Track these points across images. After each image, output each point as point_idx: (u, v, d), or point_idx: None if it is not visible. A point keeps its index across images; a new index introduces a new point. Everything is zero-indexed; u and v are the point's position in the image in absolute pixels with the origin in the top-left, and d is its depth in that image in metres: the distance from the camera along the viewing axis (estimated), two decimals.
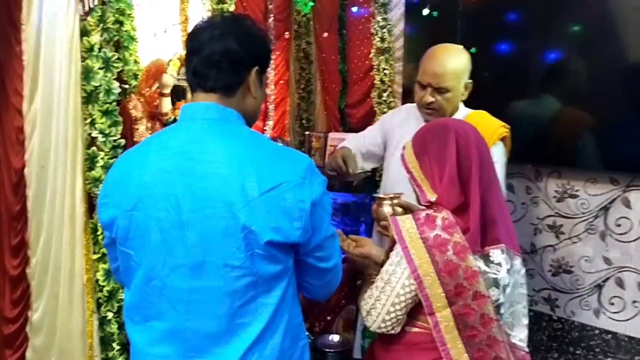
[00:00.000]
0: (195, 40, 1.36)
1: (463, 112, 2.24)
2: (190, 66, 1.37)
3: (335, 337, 3.04)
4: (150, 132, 2.76)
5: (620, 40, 2.52)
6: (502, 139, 2.18)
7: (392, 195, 1.93)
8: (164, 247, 1.27)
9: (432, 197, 1.56)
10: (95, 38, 2.13)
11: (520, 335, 1.67)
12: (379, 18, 3.39)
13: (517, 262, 1.61)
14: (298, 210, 1.27)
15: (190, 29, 3.13)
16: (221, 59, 1.33)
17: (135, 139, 2.63)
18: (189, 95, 3.01)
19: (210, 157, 1.26)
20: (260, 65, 1.42)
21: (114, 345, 2.27)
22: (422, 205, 1.63)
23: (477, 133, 1.62)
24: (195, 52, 1.36)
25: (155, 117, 2.92)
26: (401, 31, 3.35)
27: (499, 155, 2.10)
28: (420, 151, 1.61)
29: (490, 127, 2.13)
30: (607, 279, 2.72)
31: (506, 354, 1.55)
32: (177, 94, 2.99)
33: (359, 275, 3.17)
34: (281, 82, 3.81)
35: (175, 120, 2.88)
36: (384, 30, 3.39)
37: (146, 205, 1.28)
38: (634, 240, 2.62)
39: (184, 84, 2.99)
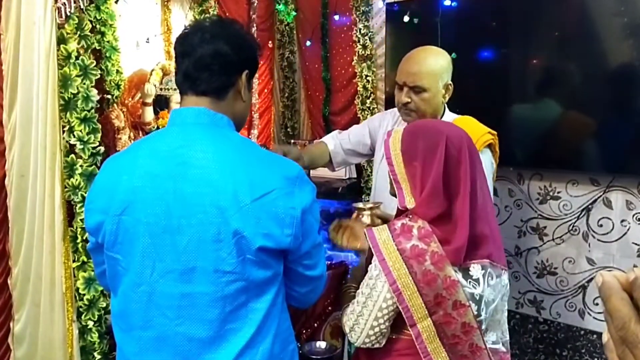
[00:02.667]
0: (186, 43, 1.36)
1: (448, 118, 2.17)
2: (181, 69, 1.37)
3: (322, 344, 3.02)
4: (132, 142, 2.76)
5: (600, 45, 2.55)
6: (489, 146, 2.11)
7: (371, 206, 1.93)
8: (153, 252, 1.26)
9: (410, 203, 1.53)
10: (73, 45, 2.13)
11: (492, 338, 1.64)
12: (360, 26, 3.43)
13: (505, 276, 1.57)
14: (289, 217, 1.27)
15: (172, 39, 3.18)
16: (213, 62, 1.33)
17: (118, 149, 2.63)
18: (172, 104, 3.02)
19: (202, 162, 1.26)
20: (250, 68, 1.42)
21: (95, 354, 2.25)
22: (399, 208, 1.60)
23: (470, 142, 1.56)
24: (186, 55, 1.35)
25: (138, 126, 2.93)
26: (382, 38, 3.38)
27: (485, 162, 1.98)
28: (407, 150, 1.54)
29: (475, 134, 2.03)
30: (591, 279, 2.74)
31: (488, 359, 1.54)
32: (160, 104, 3.00)
33: (345, 282, 3.18)
34: (265, 91, 3.84)
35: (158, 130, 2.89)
36: (366, 37, 3.42)
37: (135, 210, 1.27)
38: (616, 240, 2.64)
39: (167, 93, 3.00)
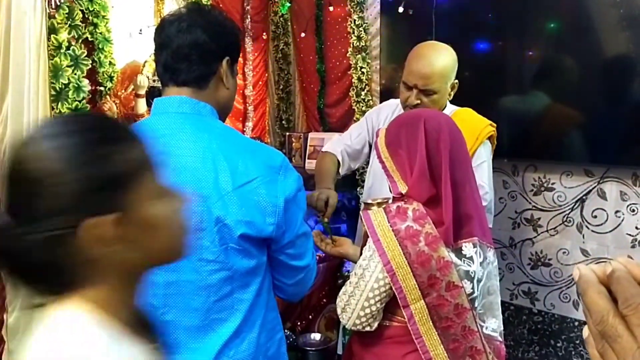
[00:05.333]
0: (163, 34, 1.34)
1: (448, 110, 2.18)
2: (160, 61, 1.36)
3: (316, 336, 3.03)
4: None
5: (595, 36, 2.54)
6: (489, 138, 2.12)
7: (379, 201, 1.94)
8: None
9: (403, 189, 1.55)
10: (63, 35, 2.11)
11: (492, 326, 1.65)
12: (355, 17, 3.40)
13: (490, 254, 1.60)
14: (271, 205, 1.27)
15: None
16: (191, 52, 1.32)
17: None
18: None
19: (184, 150, 1.26)
20: (231, 55, 1.41)
21: None
22: (394, 196, 1.62)
23: (451, 124, 1.59)
24: (164, 46, 1.34)
25: (131, 118, 2.91)
26: (377, 30, 3.36)
27: (487, 154, 2.08)
28: (392, 142, 1.59)
29: (477, 126, 2.07)
30: None
31: (481, 344, 1.54)
32: (153, 95, 2.98)
33: (339, 274, 3.18)
34: (260, 83, 3.82)
35: None
36: (361, 29, 3.39)
37: None
38: (610, 231, 2.64)
39: (159, 85, 2.98)
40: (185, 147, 1.26)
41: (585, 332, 0.53)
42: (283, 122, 4.01)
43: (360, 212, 1.93)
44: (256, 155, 1.32)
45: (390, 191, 1.64)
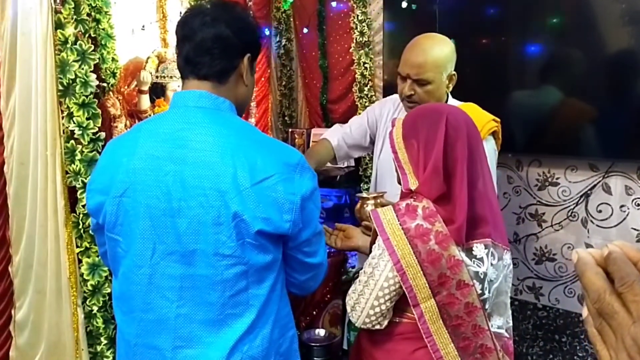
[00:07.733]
0: (187, 27, 1.36)
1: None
2: (182, 53, 1.37)
3: (321, 332, 3.03)
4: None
5: (599, 31, 2.54)
6: (492, 133, 2.10)
7: (375, 195, 1.94)
8: (153, 234, 1.26)
9: (413, 184, 1.53)
10: (70, 30, 2.10)
11: (497, 323, 1.65)
12: (358, 12, 3.39)
13: (507, 256, 1.59)
14: (289, 202, 1.28)
15: (168, 26, 3.13)
16: (214, 45, 1.33)
17: (114, 137, 2.61)
18: (168, 92, 2.99)
19: (202, 145, 1.26)
20: (252, 51, 1.42)
21: (102, 339, 2.25)
22: (403, 191, 1.61)
23: (470, 123, 1.57)
24: (186, 39, 1.35)
25: (134, 115, 2.91)
26: (380, 25, 3.35)
27: (489, 150, 2.00)
28: (408, 133, 1.56)
29: (480, 122, 2.00)
30: None
31: (491, 342, 1.54)
32: (156, 92, 2.98)
33: (344, 270, 3.18)
34: (262, 79, 3.81)
35: None
36: (363, 24, 3.38)
37: (136, 191, 1.27)
38: (615, 226, 2.64)
39: (163, 81, 2.98)
40: (204, 142, 1.26)
41: (585, 312, 0.55)
42: (286, 118, 4.00)
43: (369, 210, 1.92)
44: (274, 152, 1.32)
45: (399, 183, 1.63)
